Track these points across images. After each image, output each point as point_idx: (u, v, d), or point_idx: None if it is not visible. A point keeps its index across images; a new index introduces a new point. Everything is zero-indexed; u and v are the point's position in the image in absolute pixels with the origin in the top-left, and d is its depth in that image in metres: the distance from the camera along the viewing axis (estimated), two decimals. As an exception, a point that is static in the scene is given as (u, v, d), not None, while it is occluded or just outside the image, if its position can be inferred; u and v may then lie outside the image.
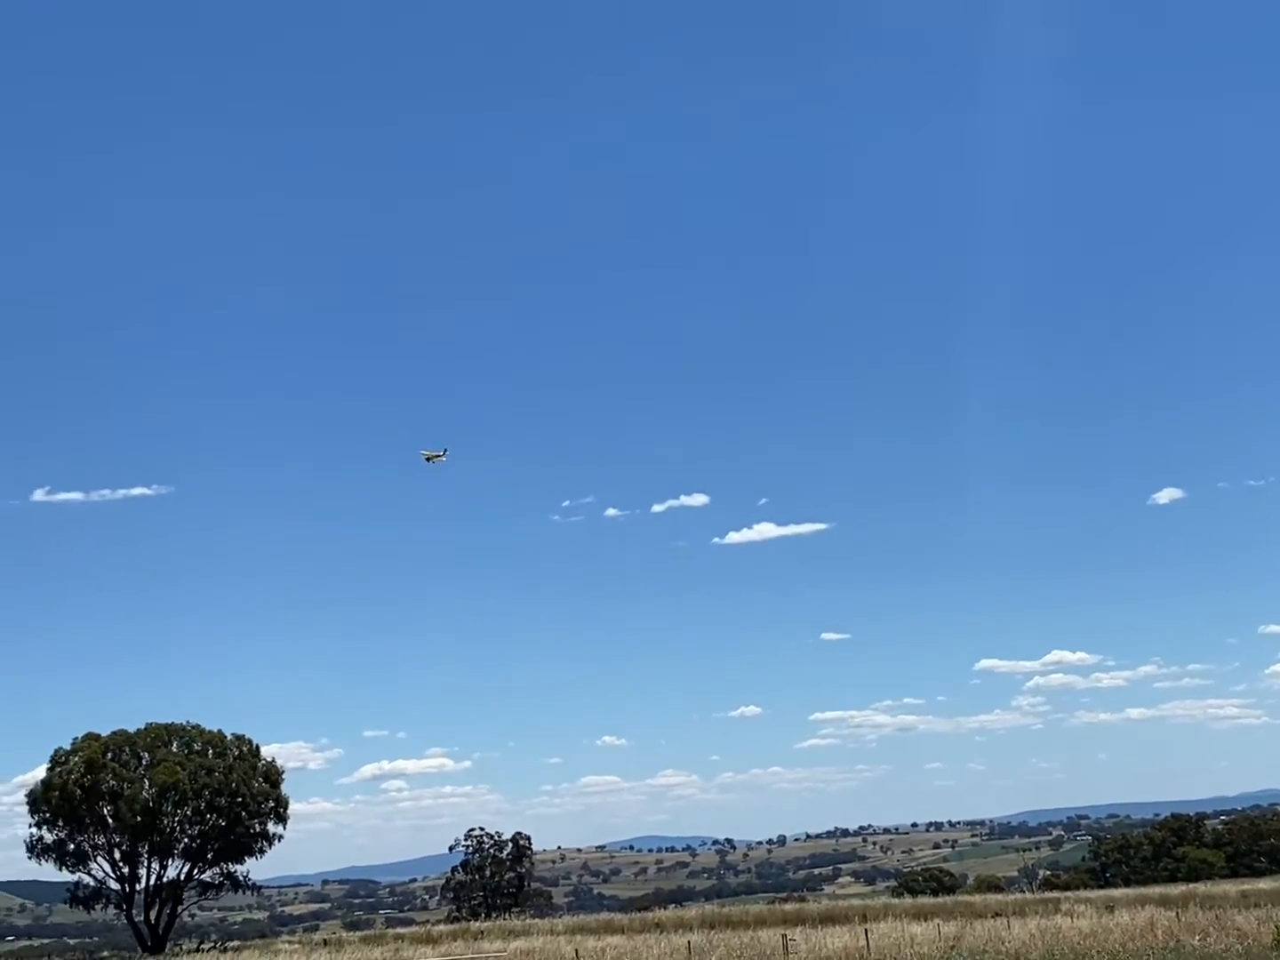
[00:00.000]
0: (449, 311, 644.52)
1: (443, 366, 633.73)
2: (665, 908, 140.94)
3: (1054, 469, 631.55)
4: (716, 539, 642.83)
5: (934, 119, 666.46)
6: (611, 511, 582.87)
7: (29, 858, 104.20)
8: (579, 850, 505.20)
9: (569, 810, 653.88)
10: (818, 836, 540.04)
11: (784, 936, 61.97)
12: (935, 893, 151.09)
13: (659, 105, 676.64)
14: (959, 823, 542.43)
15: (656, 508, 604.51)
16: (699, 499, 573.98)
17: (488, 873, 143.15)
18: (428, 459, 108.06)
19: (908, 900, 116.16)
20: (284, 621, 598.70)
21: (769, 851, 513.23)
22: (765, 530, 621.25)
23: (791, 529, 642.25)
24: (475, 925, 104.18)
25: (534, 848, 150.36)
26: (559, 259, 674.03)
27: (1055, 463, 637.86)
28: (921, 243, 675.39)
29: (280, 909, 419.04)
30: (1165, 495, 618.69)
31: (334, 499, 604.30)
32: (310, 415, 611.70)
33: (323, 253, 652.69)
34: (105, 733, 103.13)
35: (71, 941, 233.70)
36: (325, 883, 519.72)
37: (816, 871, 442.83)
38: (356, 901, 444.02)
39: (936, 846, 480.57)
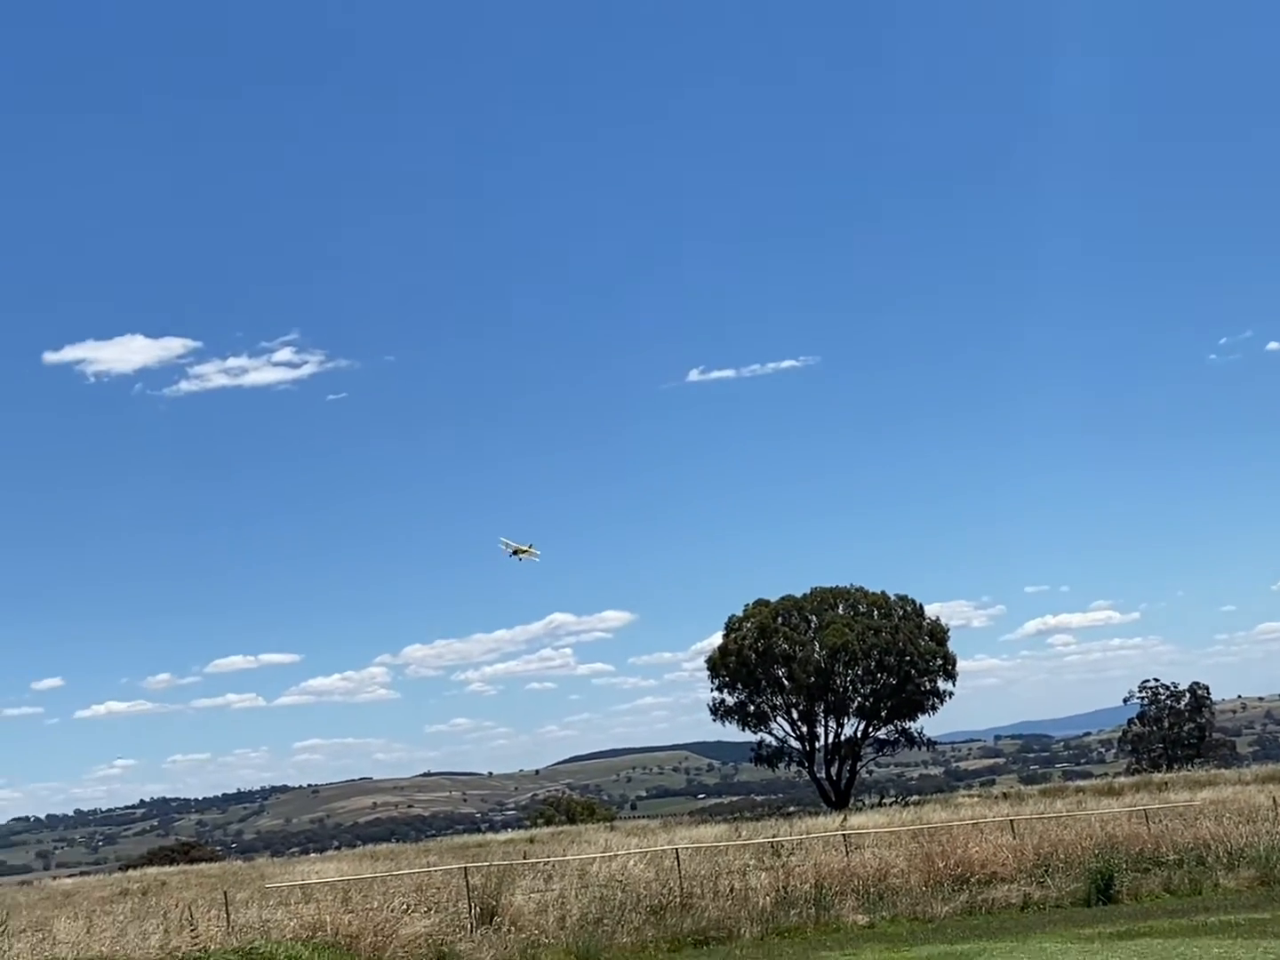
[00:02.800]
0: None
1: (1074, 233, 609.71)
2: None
3: None
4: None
5: None
6: (1274, 345, 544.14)
7: (713, 720, 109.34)
8: (1260, 699, 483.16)
9: (1248, 658, 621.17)
10: None
11: None
12: None
13: None
14: None
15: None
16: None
17: (1165, 724, 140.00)
18: (515, 553, 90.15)
19: None
20: (936, 481, 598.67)
21: None
22: None
23: None
24: (1157, 777, 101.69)
25: (1212, 698, 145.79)
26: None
27: None
28: None
29: (955, 764, 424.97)
30: None
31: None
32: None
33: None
34: (773, 599, 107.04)
35: (758, 798, 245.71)
36: (997, 738, 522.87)
37: None
38: (1030, 756, 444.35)
39: None
